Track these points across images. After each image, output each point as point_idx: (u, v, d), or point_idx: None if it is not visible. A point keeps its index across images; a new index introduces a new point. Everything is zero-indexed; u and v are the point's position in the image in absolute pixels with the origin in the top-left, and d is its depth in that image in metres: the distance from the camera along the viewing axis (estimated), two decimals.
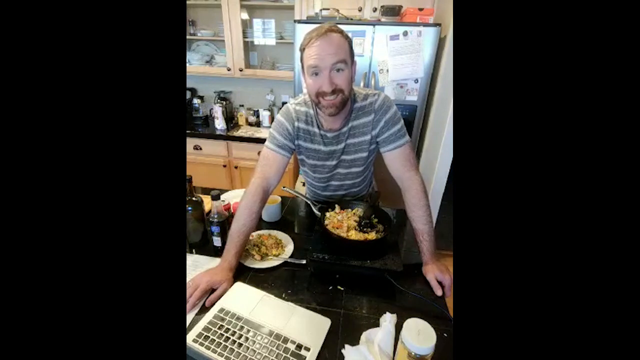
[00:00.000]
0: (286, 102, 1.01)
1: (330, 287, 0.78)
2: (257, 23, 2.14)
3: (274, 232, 0.97)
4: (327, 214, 0.93)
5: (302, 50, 0.83)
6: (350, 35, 0.85)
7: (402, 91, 1.76)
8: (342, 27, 0.83)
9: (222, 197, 1.07)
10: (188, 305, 0.70)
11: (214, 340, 0.62)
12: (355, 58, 0.86)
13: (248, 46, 2.25)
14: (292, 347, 0.61)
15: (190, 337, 0.62)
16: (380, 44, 1.67)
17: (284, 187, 1.08)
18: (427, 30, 1.62)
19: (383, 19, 1.77)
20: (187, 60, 2.32)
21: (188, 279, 0.75)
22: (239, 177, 2.26)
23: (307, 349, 0.61)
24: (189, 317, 0.69)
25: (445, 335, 0.65)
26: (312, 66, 0.80)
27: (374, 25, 1.67)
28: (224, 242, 0.85)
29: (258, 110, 2.44)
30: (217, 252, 0.88)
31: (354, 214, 0.93)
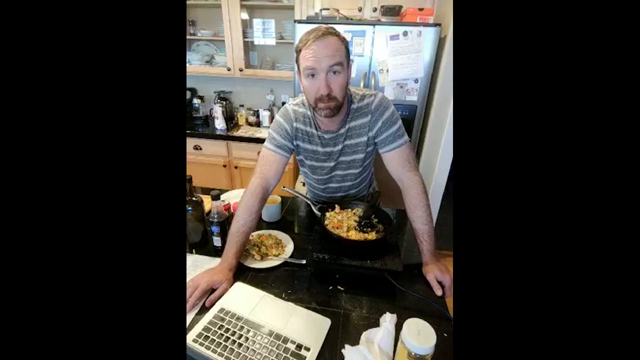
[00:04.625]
0: (286, 102, 1.01)
1: (330, 287, 0.78)
2: (257, 23, 2.14)
3: (274, 232, 0.97)
4: (327, 214, 0.93)
5: (298, 51, 0.82)
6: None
7: (402, 91, 1.76)
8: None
9: (222, 197, 1.07)
10: (188, 305, 0.70)
11: (214, 340, 0.62)
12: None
13: (248, 46, 2.24)
14: (292, 347, 0.61)
15: (190, 337, 0.62)
16: (380, 44, 1.67)
17: (284, 187, 1.08)
18: (427, 30, 1.61)
19: (383, 19, 1.77)
20: (187, 60, 2.32)
21: (188, 279, 0.75)
22: (239, 177, 2.26)
23: (307, 349, 0.61)
24: (189, 317, 0.69)
25: (445, 335, 0.65)
26: (309, 68, 0.80)
27: (374, 25, 1.66)
28: (224, 242, 0.85)
29: (258, 110, 2.44)
30: (217, 252, 0.88)
31: (354, 214, 0.93)
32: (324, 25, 0.81)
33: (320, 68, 0.79)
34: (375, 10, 1.87)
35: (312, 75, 0.81)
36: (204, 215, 0.91)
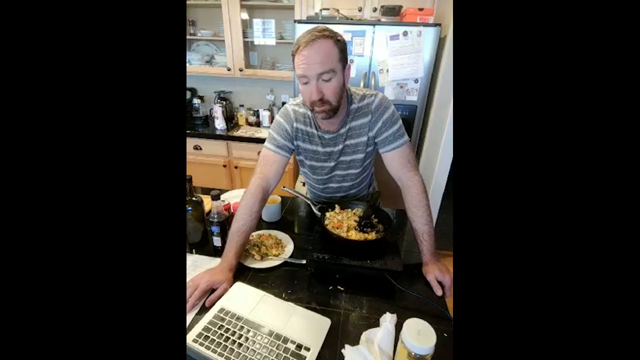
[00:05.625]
0: (286, 102, 1.01)
1: (330, 287, 0.78)
2: (257, 23, 2.14)
3: (274, 232, 0.97)
4: (327, 214, 0.93)
5: (292, 56, 0.82)
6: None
7: (402, 91, 1.76)
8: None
9: (222, 197, 1.07)
10: (188, 305, 0.70)
11: (214, 340, 0.62)
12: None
13: (248, 46, 2.25)
14: (292, 347, 0.61)
15: (190, 337, 0.62)
16: (380, 44, 1.67)
17: (284, 187, 1.08)
18: (427, 30, 1.61)
19: (383, 19, 1.77)
20: (187, 60, 2.32)
21: (188, 279, 0.75)
22: (239, 177, 2.26)
23: (307, 349, 0.61)
24: (189, 317, 0.69)
25: (445, 335, 0.65)
26: (300, 75, 0.80)
27: (374, 25, 1.66)
28: (224, 242, 0.85)
29: (258, 110, 2.44)
30: (217, 252, 0.88)
31: (354, 214, 0.93)
32: (320, 26, 0.81)
33: (311, 75, 0.79)
34: (375, 10, 1.87)
35: (305, 83, 0.82)
36: (204, 215, 0.91)
